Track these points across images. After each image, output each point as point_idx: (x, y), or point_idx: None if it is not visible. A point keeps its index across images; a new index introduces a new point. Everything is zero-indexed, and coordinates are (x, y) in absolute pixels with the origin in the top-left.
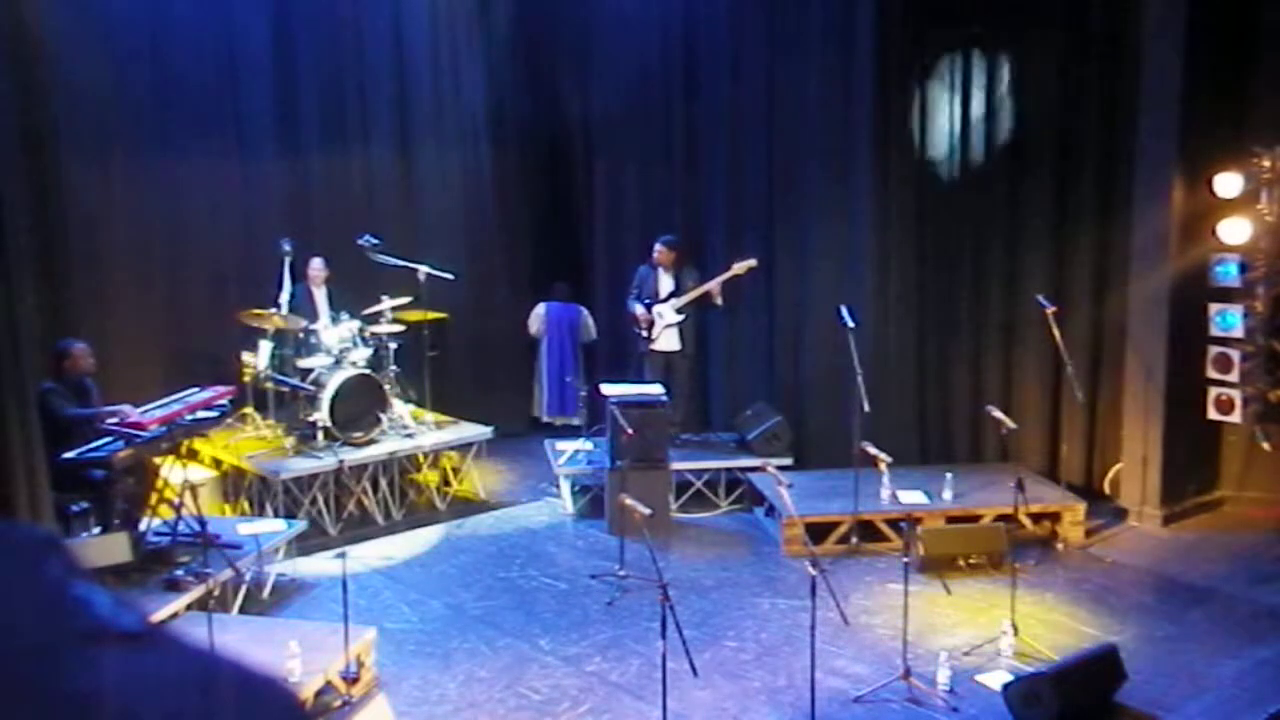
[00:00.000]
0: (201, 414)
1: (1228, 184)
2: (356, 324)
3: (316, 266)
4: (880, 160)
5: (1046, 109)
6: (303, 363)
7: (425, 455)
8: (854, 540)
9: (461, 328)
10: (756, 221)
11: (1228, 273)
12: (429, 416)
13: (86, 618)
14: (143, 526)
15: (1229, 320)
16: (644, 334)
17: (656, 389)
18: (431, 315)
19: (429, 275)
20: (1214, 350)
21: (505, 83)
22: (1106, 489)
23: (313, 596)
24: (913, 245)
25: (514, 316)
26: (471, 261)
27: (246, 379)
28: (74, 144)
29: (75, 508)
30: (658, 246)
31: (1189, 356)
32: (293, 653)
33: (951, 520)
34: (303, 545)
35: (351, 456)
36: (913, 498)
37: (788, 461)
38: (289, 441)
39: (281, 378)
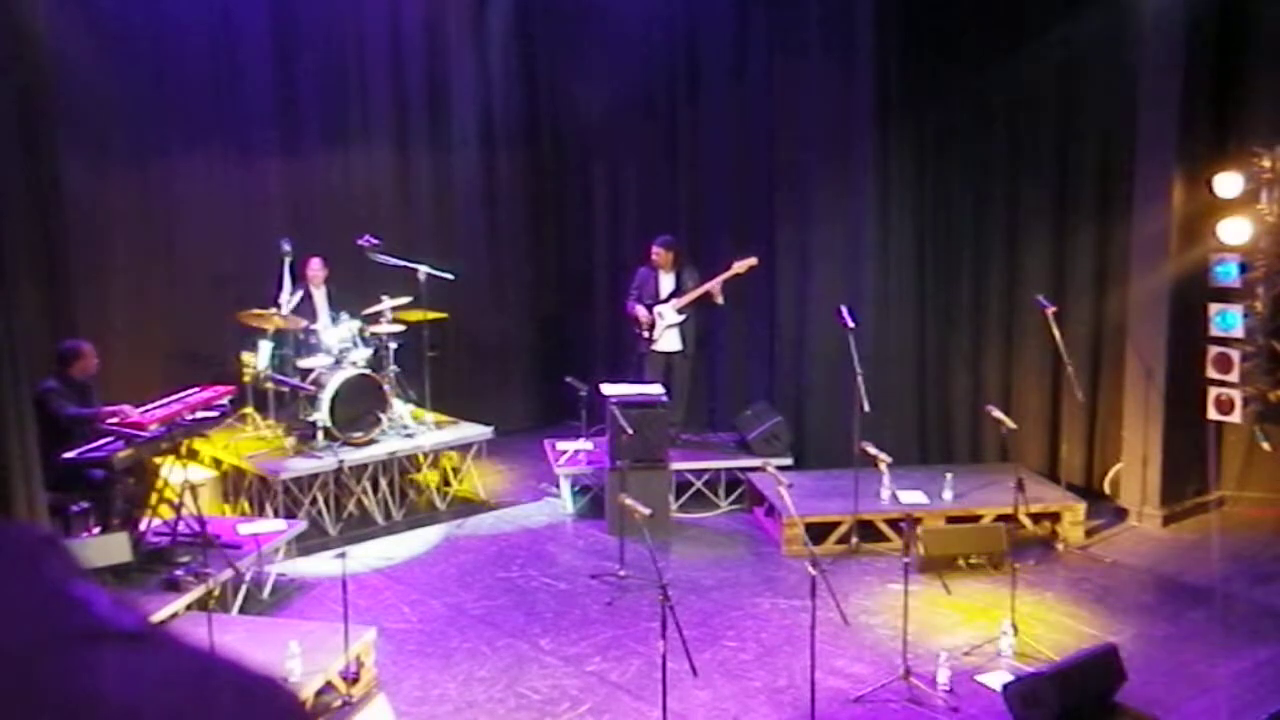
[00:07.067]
0: (201, 414)
1: (1228, 184)
2: (356, 324)
3: (315, 266)
4: (880, 160)
5: (1046, 109)
6: (303, 363)
7: (425, 455)
8: (854, 540)
9: (461, 328)
10: (757, 221)
11: (1228, 273)
12: (429, 416)
13: (86, 618)
14: (143, 526)
15: (1229, 320)
16: (645, 334)
17: (656, 389)
18: (431, 315)
19: (429, 275)
20: (1214, 350)
21: (505, 82)
22: (1106, 489)
23: (313, 596)
24: (913, 245)
25: (514, 316)
26: (472, 261)
27: (246, 379)
28: (74, 144)
29: (75, 508)
30: (655, 248)
31: (1189, 356)
32: (293, 653)
33: (951, 520)
34: (303, 545)
35: (351, 456)
36: (913, 498)
37: (788, 461)
38: (289, 441)
39: (281, 378)
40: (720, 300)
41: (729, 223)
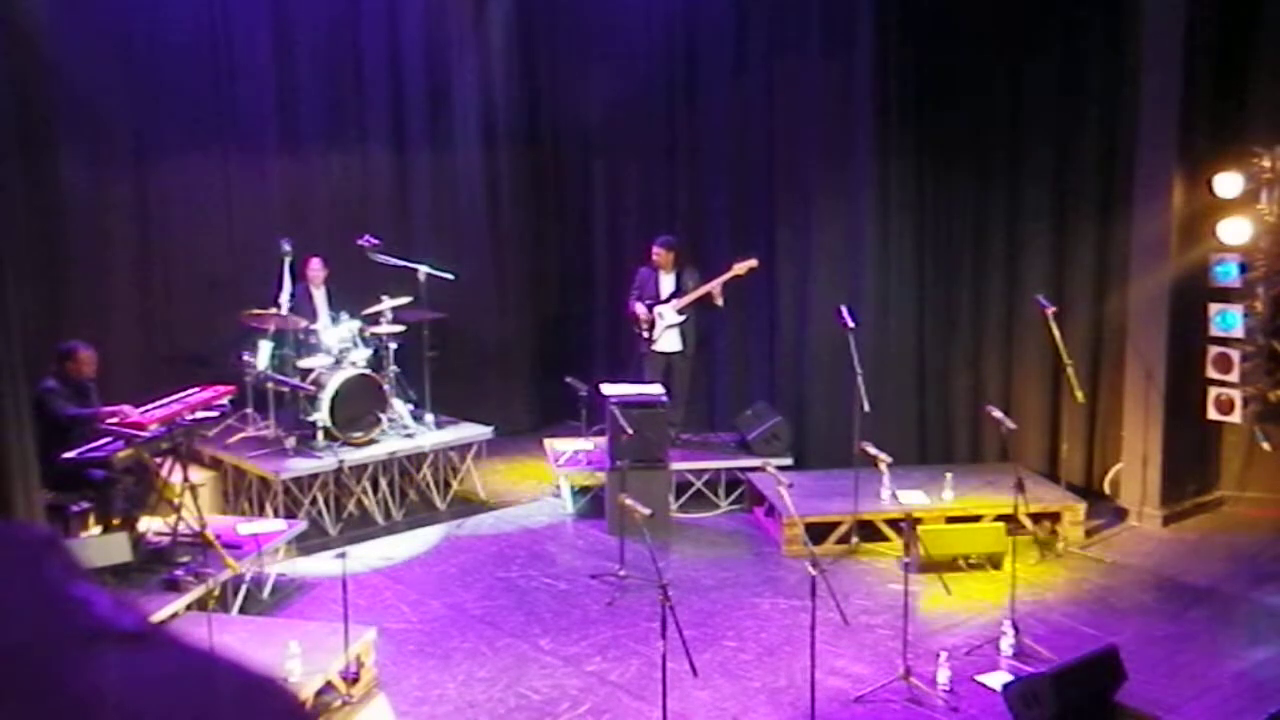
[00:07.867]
0: (201, 414)
1: (1228, 184)
2: (356, 324)
3: (315, 266)
4: (880, 160)
5: (1046, 109)
6: (303, 363)
7: (425, 455)
8: (854, 540)
9: (461, 328)
10: (757, 222)
11: (1228, 273)
12: (429, 416)
13: (86, 618)
14: (143, 526)
15: (1229, 320)
16: (645, 334)
17: (656, 389)
18: (431, 315)
19: (429, 275)
20: (1214, 350)
21: (505, 82)
22: (1106, 489)
23: (313, 596)
24: (913, 245)
25: (514, 316)
26: (471, 261)
27: (247, 379)
28: (74, 144)
29: (75, 508)
30: (655, 248)
31: (1189, 356)
32: (293, 653)
33: (951, 520)
34: (303, 545)
35: (351, 456)
36: (913, 498)
37: (788, 461)
38: (289, 441)
39: (281, 378)
40: (720, 302)
41: (729, 223)
